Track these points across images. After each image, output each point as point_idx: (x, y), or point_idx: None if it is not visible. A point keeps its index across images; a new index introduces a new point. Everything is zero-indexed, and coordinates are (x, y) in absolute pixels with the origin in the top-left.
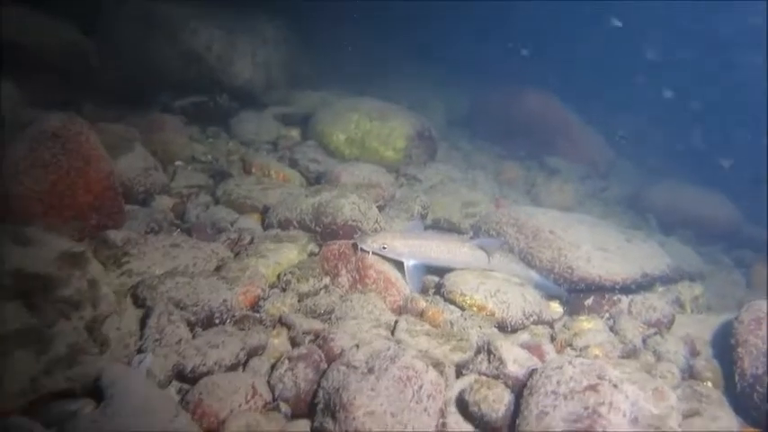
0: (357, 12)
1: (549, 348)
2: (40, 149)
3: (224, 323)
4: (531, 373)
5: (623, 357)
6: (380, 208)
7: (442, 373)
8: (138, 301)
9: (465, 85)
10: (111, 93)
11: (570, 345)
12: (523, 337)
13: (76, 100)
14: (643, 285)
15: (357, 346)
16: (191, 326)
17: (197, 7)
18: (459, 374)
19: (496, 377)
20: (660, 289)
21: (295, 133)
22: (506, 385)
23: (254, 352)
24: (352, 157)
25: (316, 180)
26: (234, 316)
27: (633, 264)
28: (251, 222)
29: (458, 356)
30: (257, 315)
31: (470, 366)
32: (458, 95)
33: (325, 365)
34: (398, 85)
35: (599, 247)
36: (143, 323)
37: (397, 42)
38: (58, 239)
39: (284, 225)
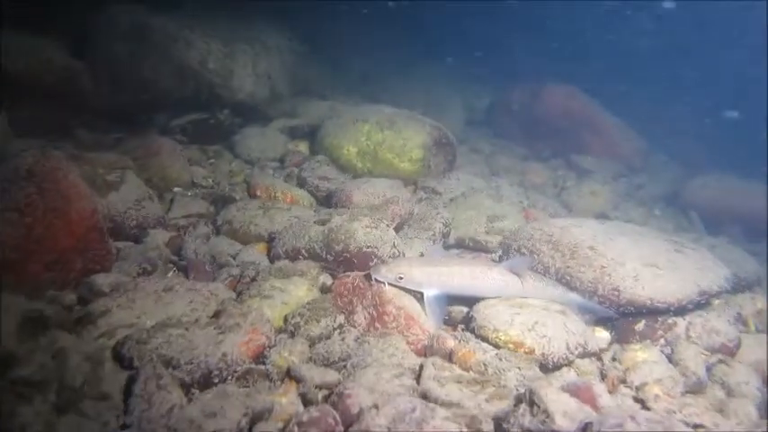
0: (366, 11)
1: (600, 389)
2: (13, 190)
3: (224, 381)
4: (585, 428)
5: (687, 393)
6: (398, 228)
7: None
8: (124, 362)
9: (484, 83)
10: (106, 116)
11: (624, 382)
12: (569, 375)
13: (69, 126)
14: (701, 304)
15: (377, 407)
16: (185, 388)
17: (192, 17)
18: (497, 429)
19: None
20: (716, 302)
21: (303, 147)
22: None
23: (258, 417)
24: (365, 171)
25: (326, 199)
26: (235, 372)
27: (688, 280)
28: (255, 254)
29: (495, 407)
30: (262, 368)
31: (511, 420)
32: (477, 93)
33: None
34: (413, 85)
35: (647, 263)
36: (128, 390)
37: (412, 41)
38: (21, 302)
39: (292, 255)
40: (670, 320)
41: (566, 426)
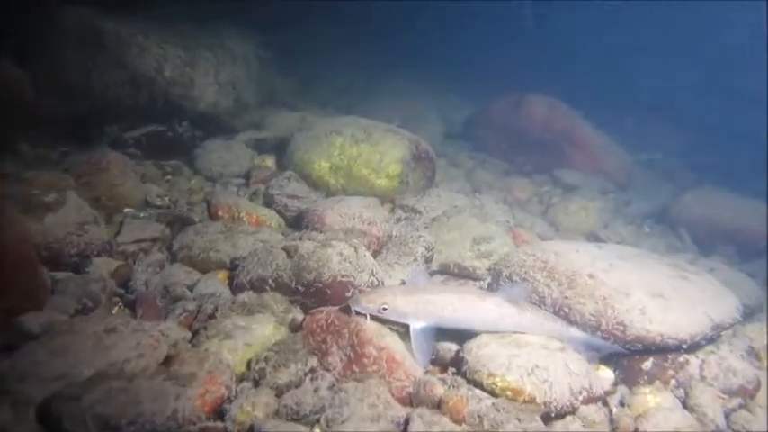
0: (339, 17)
1: None
2: None
3: None
4: None
5: None
6: (376, 253)
7: None
8: (52, 423)
9: (463, 94)
10: (52, 129)
11: None
12: (574, 427)
13: (9, 141)
14: (712, 339)
15: None
16: None
17: (147, 22)
18: None
19: None
20: (723, 333)
21: (271, 162)
22: None
23: None
24: (339, 189)
25: (296, 220)
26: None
27: (698, 312)
28: (216, 284)
29: None
30: (221, 425)
31: None
32: (455, 105)
33: None
34: (389, 95)
35: (653, 293)
36: None
37: (386, 49)
38: None
39: (257, 286)
40: (681, 358)
41: None
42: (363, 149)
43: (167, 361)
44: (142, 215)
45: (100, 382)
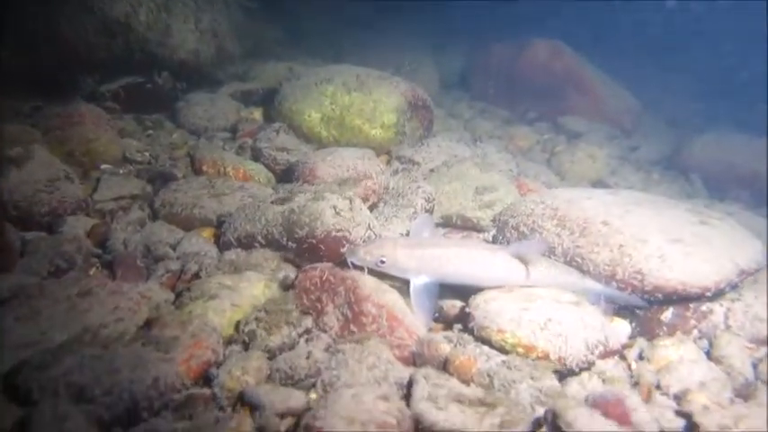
0: None
1: (634, 402)
2: None
3: (156, 414)
4: None
5: (737, 398)
6: (372, 206)
7: None
8: (20, 395)
9: (459, 42)
10: (23, 83)
11: (659, 388)
12: (592, 385)
13: None
14: (736, 286)
15: None
16: (104, 428)
17: None
18: None
19: None
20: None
21: (258, 115)
22: None
23: None
24: (331, 141)
25: (285, 174)
26: (172, 401)
27: (723, 258)
28: (201, 242)
29: None
30: (207, 392)
31: None
32: (451, 54)
33: None
34: (381, 46)
35: (672, 239)
36: None
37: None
38: None
39: (246, 243)
40: (704, 307)
41: None
42: (356, 98)
43: (148, 325)
44: (121, 171)
45: (73, 350)
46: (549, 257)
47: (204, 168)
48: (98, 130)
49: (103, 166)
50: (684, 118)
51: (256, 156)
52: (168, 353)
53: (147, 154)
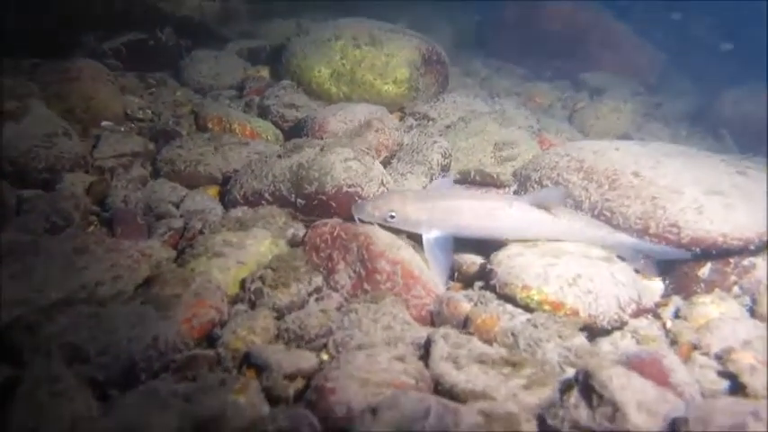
0: None
1: (672, 362)
2: None
3: (155, 376)
4: (675, 426)
5: None
6: (386, 163)
7: None
8: (11, 355)
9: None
10: (23, 41)
11: (698, 347)
12: (625, 344)
13: None
14: None
15: (373, 410)
16: (99, 389)
17: None
18: (542, 426)
19: None
20: None
21: (266, 73)
22: None
23: (203, 428)
24: (341, 97)
25: (293, 131)
26: (173, 362)
27: (764, 209)
28: (205, 200)
29: (537, 397)
30: (211, 353)
31: (560, 415)
32: (465, 13)
33: None
34: (391, 5)
35: (710, 190)
36: (13, 397)
37: None
38: None
39: (252, 200)
40: (746, 262)
41: (644, 424)
42: (367, 53)
43: (148, 283)
44: (122, 129)
45: (67, 308)
46: (575, 211)
47: (209, 125)
48: (98, 87)
49: (104, 124)
50: (713, 71)
51: (264, 113)
52: (169, 311)
53: (149, 111)
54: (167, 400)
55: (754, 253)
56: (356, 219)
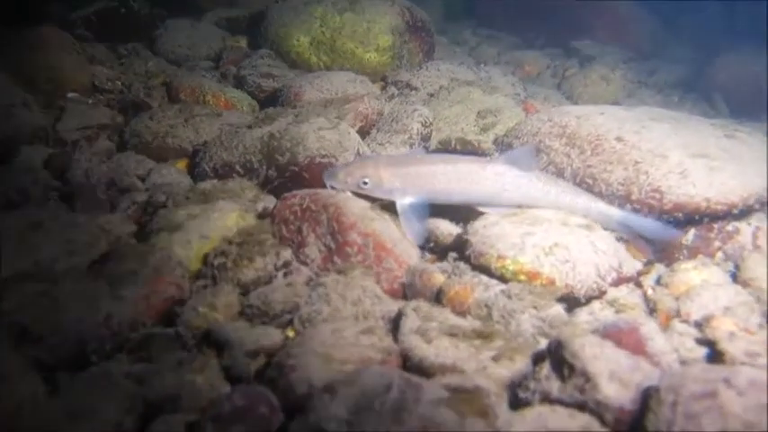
0: None
1: (650, 330)
2: None
3: (109, 357)
4: (648, 398)
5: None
6: (365, 133)
7: (486, 414)
8: None
9: None
10: None
11: (679, 315)
12: (604, 314)
13: None
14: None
15: (332, 390)
16: (48, 371)
17: None
18: (514, 399)
19: (581, 407)
20: None
21: (244, 43)
22: (602, 423)
23: (159, 409)
24: (322, 67)
25: (270, 102)
26: (128, 341)
27: (750, 172)
28: (173, 173)
29: (508, 369)
30: (171, 332)
31: (531, 387)
32: None
33: (281, 422)
34: None
35: (695, 153)
36: None
37: None
38: None
39: (222, 173)
40: (730, 227)
41: (615, 394)
42: (348, 19)
43: (104, 258)
44: (90, 101)
45: (16, 286)
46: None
47: (182, 96)
48: (63, 56)
49: (70, 95)
50: (709, 36)
51: (240, 83)
52: (124, 288)
53: (118, 82)
54: (118, 383)
55: (738, 218)
56: (328, 186)
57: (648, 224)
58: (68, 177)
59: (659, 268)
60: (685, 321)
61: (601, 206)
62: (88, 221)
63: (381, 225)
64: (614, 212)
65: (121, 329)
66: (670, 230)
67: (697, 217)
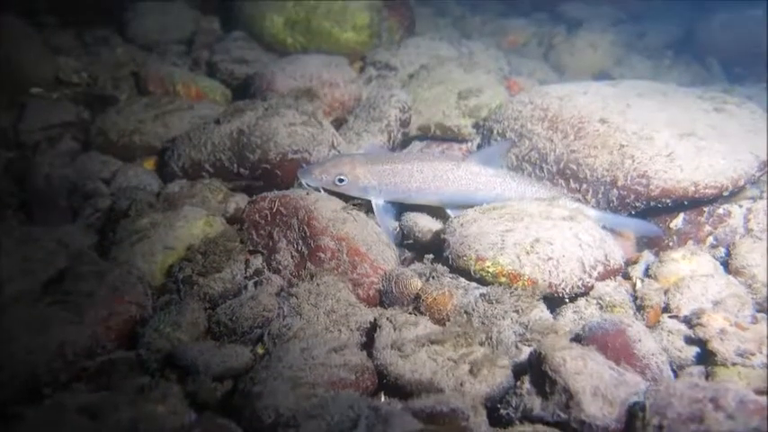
0: None
1: (637, 332)
2: None
3: (65, 388)
4: (632, 413)
5: (761, 315)
6: (342, 121)
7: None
8: None
9: None
10: None
11: (668, 310)
12: (590, 312)
13: None
14: (757, 181)
15: (294, 421)
16: None
17: None
18: (494, 417)
19: (564, 427)
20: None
21: (217, 25)
22: None
23: None
24: (297, 48)
25: (244, 90)
26: (84, 369)
27: (740, 150)
28: (141, 175)
29: (488, 384)
30: (131, 355)
31: (512, 403)
32: None
33: None
34: None
35: (682, 132)
36: None
37: None
38: None
39: (192, 173)
40: (720, 210)
41: (599, 413)
42: None
43: (60, 278)
44: (55, 96)
45: None
46: (539, 165)
47: (150, 88)
48: (22, 48)
49: (33, 90)
50: None
51: (212, 70)
52: (80, 312)
53: (84, 74)
54: (70, 420)
55: (730, 200)
56: (303, 184)
57: (628, 223)
58: (30, 184)
59: (647, 256)
60: (675, 317)
61: (580, 207)
62: (45, 235)
63: (354, 228)
64: (591, 213)
65: (77, 358)
66: (651, 227)
67: (686, 202)
